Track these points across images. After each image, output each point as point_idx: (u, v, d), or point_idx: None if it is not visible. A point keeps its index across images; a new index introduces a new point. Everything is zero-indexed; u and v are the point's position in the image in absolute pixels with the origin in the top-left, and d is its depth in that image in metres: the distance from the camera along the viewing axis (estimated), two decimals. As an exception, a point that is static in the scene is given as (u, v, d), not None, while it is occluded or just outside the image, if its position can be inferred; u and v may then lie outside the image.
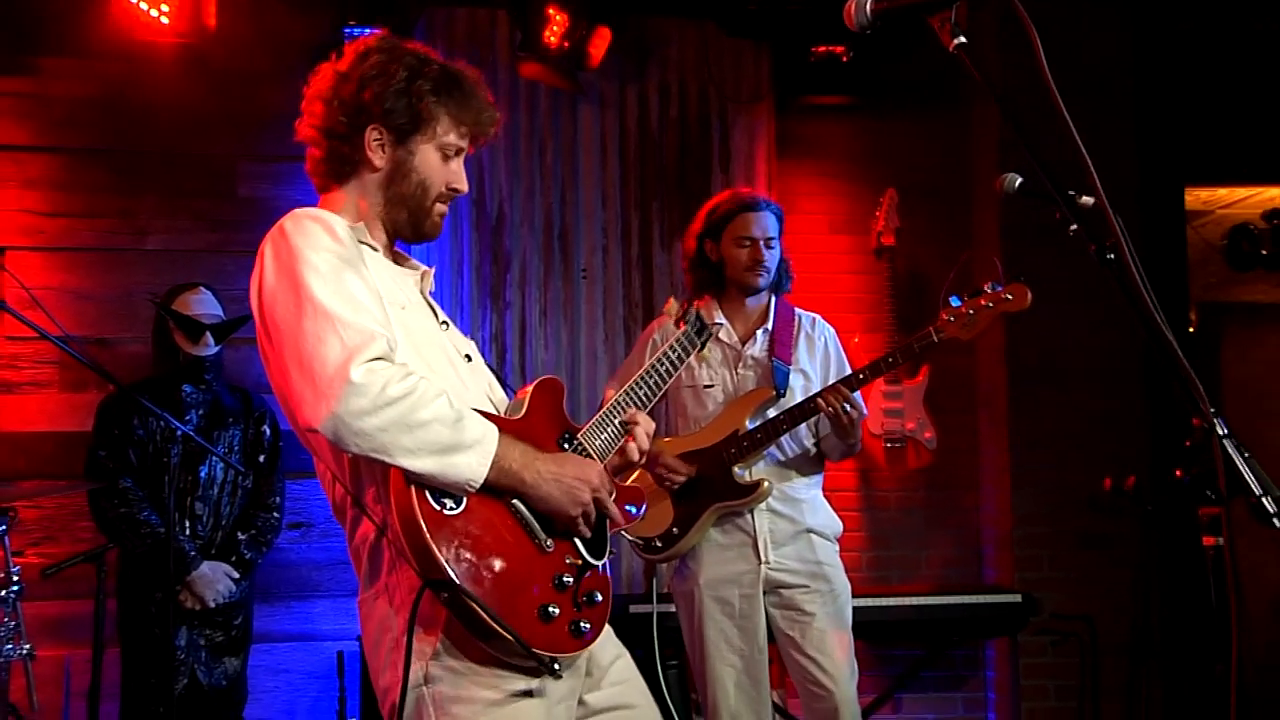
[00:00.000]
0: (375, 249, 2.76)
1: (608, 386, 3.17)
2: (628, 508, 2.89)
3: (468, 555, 2.45)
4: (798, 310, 4.78)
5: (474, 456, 2.48)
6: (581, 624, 2.60)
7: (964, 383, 6.65)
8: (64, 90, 6.16)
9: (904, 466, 6.46)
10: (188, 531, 5.22)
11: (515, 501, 2.58)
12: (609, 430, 2.90)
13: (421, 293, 2.87)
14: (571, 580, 2.62)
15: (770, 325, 4.67)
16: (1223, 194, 8.34)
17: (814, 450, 4.67)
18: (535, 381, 2.88)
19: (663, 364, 3.18)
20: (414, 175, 2.79)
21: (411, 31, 6.15)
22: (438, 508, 2.46)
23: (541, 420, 2.79)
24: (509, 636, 2.42)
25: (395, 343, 2.52)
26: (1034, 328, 6.08)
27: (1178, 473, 2.99)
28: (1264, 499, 2.66)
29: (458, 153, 2.84)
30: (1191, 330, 8.07)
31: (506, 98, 6.37)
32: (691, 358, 3.35)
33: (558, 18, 5.98)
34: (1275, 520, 2.68)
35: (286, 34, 6.12)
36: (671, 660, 5.21)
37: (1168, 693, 6.34)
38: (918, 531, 6.61)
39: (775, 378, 4.57)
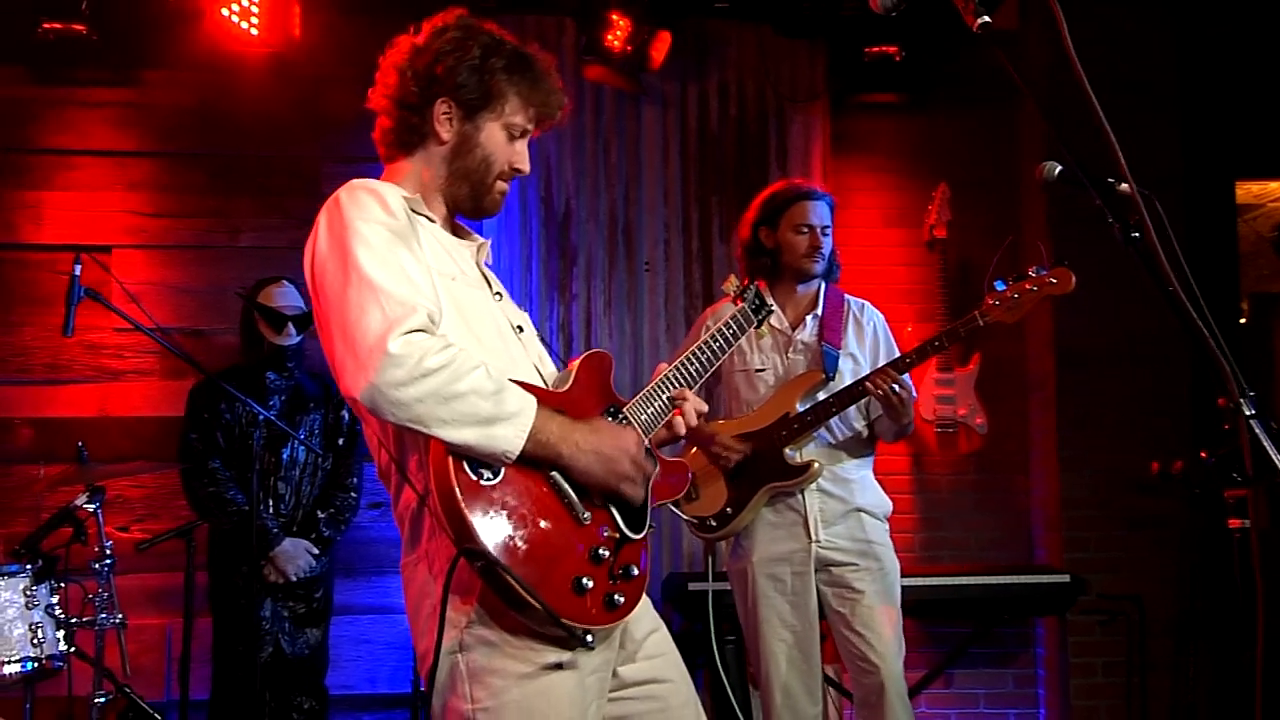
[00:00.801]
0: (433, 220, 2.64)
1: (660, 365, 3.04)
2: (672, 480, 2.77)
3: (503, 526, 2.31)
4: (846, 296, 4.64)
5: (511, 428, 2.34)
6: (616, 596, 2.44)
7: (1014, 369, 6.49)
8: (164, 99, 6.21)
9: (955, 451, 6.35)
10: (271, 510, 5.24)
11: (554, 474, 2.43)
12: (655, 404, 2.76)
13: (477, 264, 2.73)
14: (608, 553, 2.46)
15: (820, 311, 4.53)
16: (1273, 187, 8.21)
17: (865, 432, 4.52)
18: (583, 355, 2.74)
19: (716, 340, 3.06)
20: (479, 151, 2.67)
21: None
22: (474, 478, 2.32)
23: (587, 393, 2.65)
24: (539, 607, 2.28)
25: (439, 315, 2.41)
26: (1082, 314, 5.94)
27: (1203, 454, 2.76)
28: (1285, 481, 2.45)
29: (523, 134, 2.72)
30: (1243, 321, 7.83)
31: (573, 100, 6.11)
32: (748, 335, 3.22)
33: (621, 23, 5.96)
34: (1301, 501, 2.47)
35: (364, 43, 5.86)
36: (729, 636, 5.07)
37: (1215, 671, 6.15)
38: (968, 513, 6.47)
39: (825, 362, 4.43)
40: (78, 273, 4.73)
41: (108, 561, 4.46)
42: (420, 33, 2.72)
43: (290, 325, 5.28)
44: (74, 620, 4.34)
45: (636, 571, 2.52)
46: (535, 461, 2.39)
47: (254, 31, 5.77)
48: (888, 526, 4.50)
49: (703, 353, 2.98)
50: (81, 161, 6.13)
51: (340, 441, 5.42)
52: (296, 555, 5.18)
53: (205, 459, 5.18)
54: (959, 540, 6.39)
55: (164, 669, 5.66)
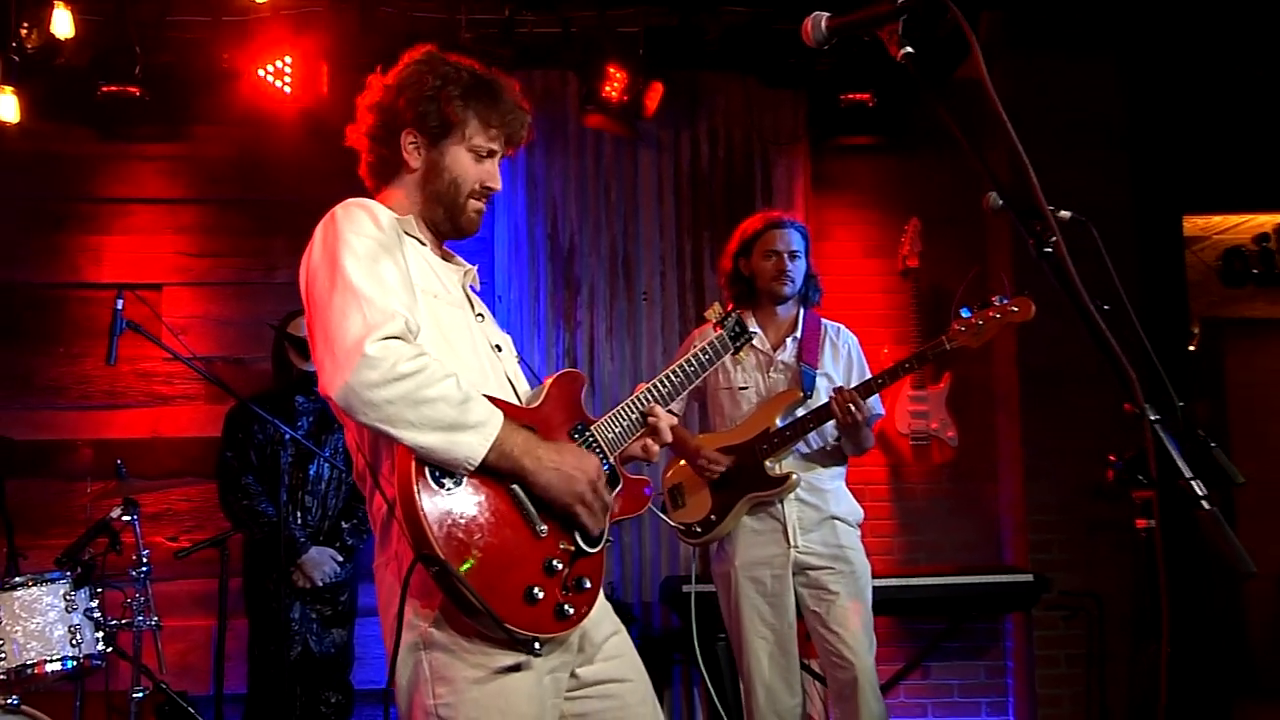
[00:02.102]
0: (423, 243, 2.57)
1: (639, 385, 2.97)
2: (634, 496, 2.67)
3: (459, 534, 2.22)
4: (824, 320, 4.57)
5: (475, 437, 2.25)
6: (566, 607, 2.34)
7: (982, 386, 6.43)
8: (208, 152, 6.24)
9: (929, 461, 6.36)
10: (299, 521, 5.18)
11: (515, 486, 2.33)
12: (624, 423, 2.66)
13: (463, 287, 2.65)
14: (562, 566, 2.37)
15: (799, 334, 4.47)
16: (1217, 221, 8.27)
17: (837, 446, 4.45)
18: (556, 374, 2.64)
19: (692, 364, 2.95)
20: (446, 174, 2.59)
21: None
22: (435, 486, 2.24)
23: (556, 410, 2.56)
24: (487, 615, 2.20)
25: (417, 326, 2.32)
26: (1044, 336, 5.72)
27: (1111, 458, 2.63)
28: (1193, 482, 2.33)
29: (490, 154, 2.63)
30: (1192, 348, 7.80)
31: (575, 144, 6.39)
32: (726, 359, 3.12)
33: (618, 75, 5.93)
34: (1204, 503, 2.35)
35: None
36: (721, 634, 4.97)
37: (1169, 661, 5.96)
38: (942, 518, 6.40)
39: (803, 381, 4.37)
40: (120, 307, 4.71)
41: (144, 569, 4.42)
42: (389, 71, 2.69)
43: (316, 353, 5.22)
44: (113, 622, 4.29)
45: (589, 585, 2.42)
46: (497, 473, 2.31)
47: (287, 90, 5.79)
48: (859, 532, 4.44)
49: (676, 374, 2.88)
50: (136, 209, 6.19)
51: (363, 459, 5.34)
52: (322, 562, 5.12)
53: (239, 475, 5.15)
54: (934, 543, 6.34)
55: (209, 665, 5.58)
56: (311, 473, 5.22)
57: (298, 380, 5.23)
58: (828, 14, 2.64)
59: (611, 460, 2.60)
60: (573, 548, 2.41)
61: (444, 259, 2.66)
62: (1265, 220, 8.39)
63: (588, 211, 6.33)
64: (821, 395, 4.36)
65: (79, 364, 6.03)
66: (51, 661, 4.01)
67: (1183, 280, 6.72)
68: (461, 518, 2.24)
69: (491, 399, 2.36)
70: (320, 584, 5.10)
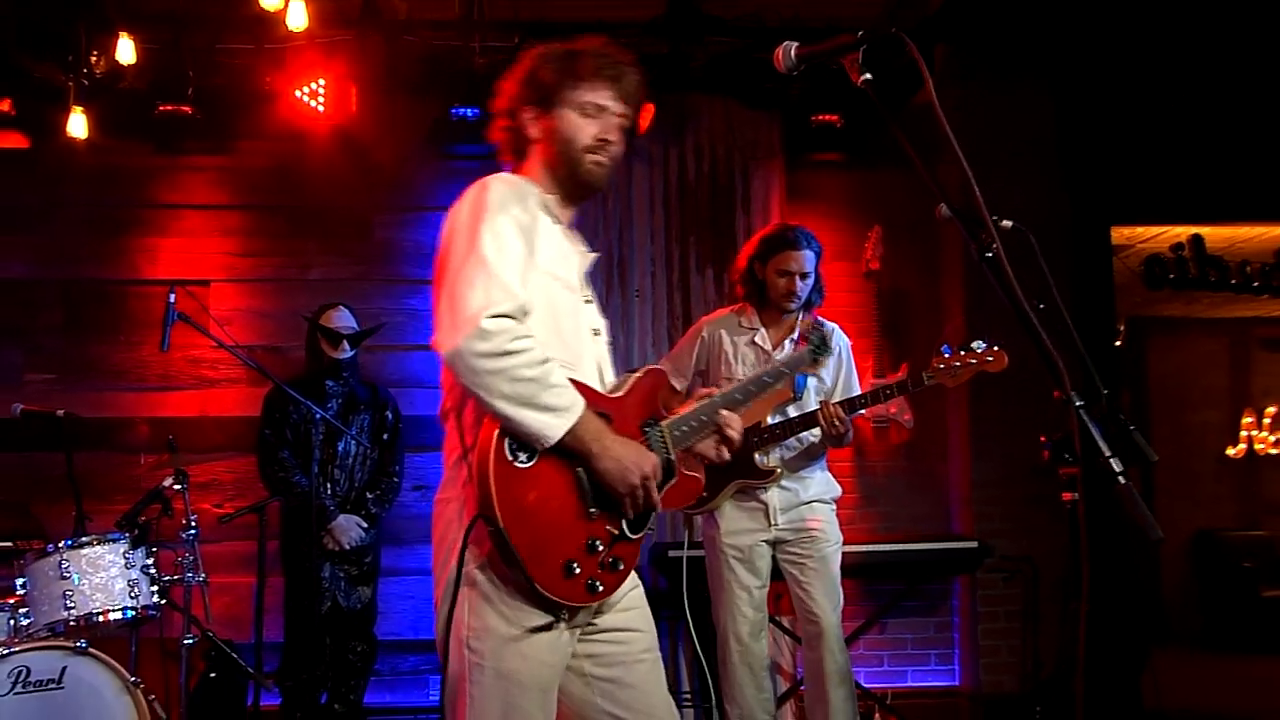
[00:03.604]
0: (557, 223, 2.53)
1: (699, 389, 2.90)
2: (684, 492, 2.59)
3: (519, 504, 2.21)
4: (821, 320, 4.51)
5: (556, 419, 2.23)
6: (597, 584, 2.31)
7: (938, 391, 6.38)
8: (251, 163, 6.25)
9: (888, 442, 6.34)
10: (329, 491, 5.21)
11: (579, 469, 2.31)
12: (693, 423, 2.57)
13: (578, 271, 2.58)
14: (603, 546, 2.33)
15: (796, 336, 4.40)
16: (1140, 231, 8.28)
17: (819, 439, 4.38)
18: (644, 368, 2.61)
19: (770, 376, 2.86)
20: (560, 134, 2.53)
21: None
22: (510, 458, 2.22)
23: (635, 402, 2.51)
24: (526, 581, 2.21)
25: (531, 306, 2.30)
26: (990, 331, 5.80)
27: (1042, 438, 2.67)
28: (1111, 460, 2.37)
29: (598, 109, 2.54)
30: (1119, 343, 7.80)
31: None
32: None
33: None
34: (1121, 478, 2.39)
35: (410, 115, 6.07)
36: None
37: (1092, 616, 6.00)
38: (898, 492, 6.40)
39: (795, 382, 4.31)
40: (172, 300, 4.73)
41: (192, 532, 4.41)
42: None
43: (345, 342, 5.25)
44: (166, 578, 4.30)
45: (622, 567, 2.38)
46: (569, 453, 2.29)
47: (321, 109, 5.78)
48: (834, 507, 4.45)
49: (752, 384, 2.80)
50: (187, 214, 6.20)
51: (385, 437, 5.36)
52: (349, 528, 5.15)
53: (276, 450, 5.19)
54: (891, 514, 6.34)
55: (250, 617, 5.52)
56: (340, 449, 5.25)
57: (328, 366, 5.26)
58: (797, 44, 2.66)
59: (673, 456, 2.52)
60: (616, 531, 2.37)
61: (569, 239, 2.60)
62: (1180, 231, 8.42)
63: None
64: (811, 395, 4.36)
65: (136, 351, 6.05)
66: (114, 611, 4.02)
67: (1110, 283, 6.73)
68: (526, 490, 2.23)
69: (578, 384, 2.33)
70: (347, 547, 5.14)
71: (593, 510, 2.32)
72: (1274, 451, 10.54)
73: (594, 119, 2.54)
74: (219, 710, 5.05)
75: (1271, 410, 10.52)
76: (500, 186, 2.39)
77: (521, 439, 2.23)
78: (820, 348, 3.08)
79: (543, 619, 2.27)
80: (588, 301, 2.57)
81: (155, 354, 5.97)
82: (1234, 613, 9.33)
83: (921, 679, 6.34)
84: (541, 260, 2.37)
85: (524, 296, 2.26)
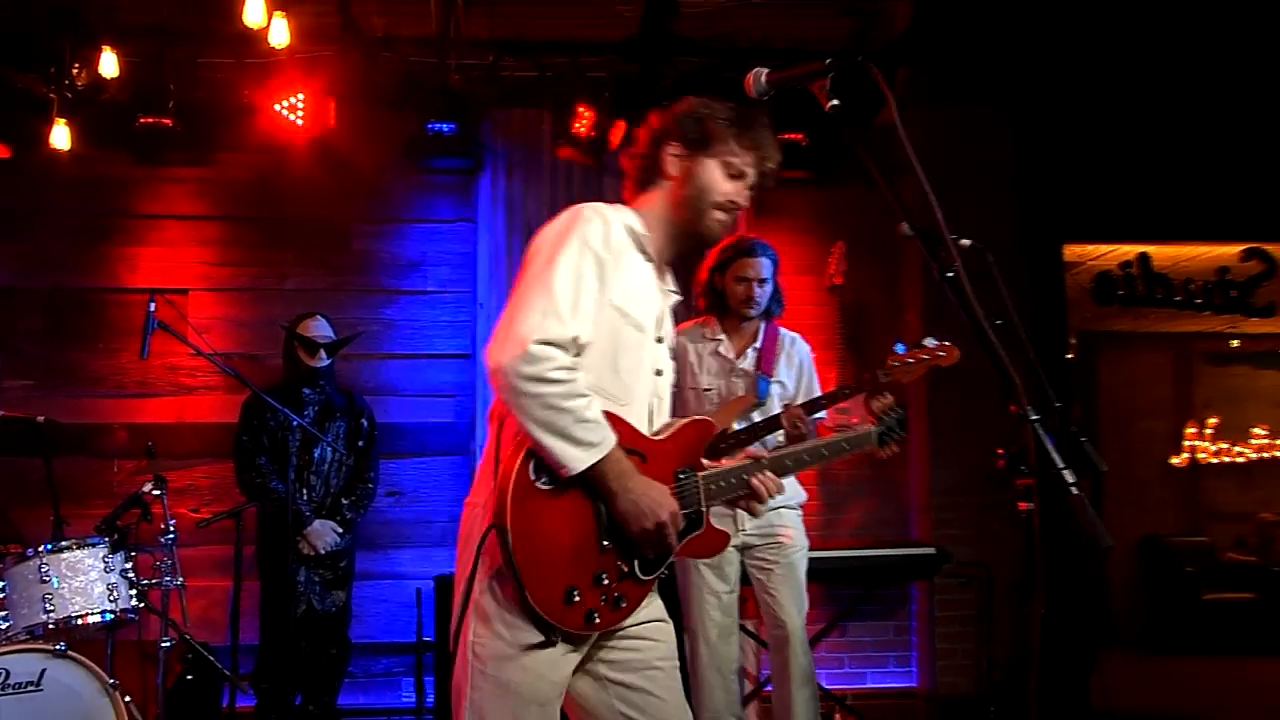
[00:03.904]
0: (649, 261, 2.48)
1: (750, 449, 2.82)
2: (707, 544, 2.52)
3: (531, 522, 2.19)
4: (782, 331, 4.55)
5: (582, 453, 2.20)
6: (595, 616, 2.26)
7: (894, 387, 6.35)
8: (230, 175, 6.19)
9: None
10: (304, 497, 5.18)
11: (600, 503, 2.28)
12: (731, 480, 2.51)
13: (657, 312, 2.52)
14: (609, 581, 2.28)
15: (759, 344, 4.42)
16: (1091, 249, 8.36)
17: (783, 443, 4.36)
18: (693, 418, 2.53)
19: (830, 448, 2.74)
20: (697, 181, 2.50)
21: (479, 128, 6.06)
22: (533, 477, 2.21)
23: (674, 448, 2.44)
24: (520, 600, 2.20)
25: (586, 340, 2.28)
26: (952, 338, 5.94)
27: (999, 451, 2.70)
28: (1064, 472, 2.40)
29: (739, 175, 2.53)
30: (1071, 356, 7.92)
31: (549, 173, 6.27)
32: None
33: (586, 114, 5.89)
34: (1073, 489, 2.43)
35: (386, 129, 6.02)
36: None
37: (1046, 620, 6.09)
38: (861, 500, 6.42)
39: (759, 388, 4.35)
40: (153, 309, 4.68)
41: (170, 536, 4.37)
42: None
43: (322, 351, 5.22)
44: (144, 582, 4.26)
45: (625, 605, 2.32)
46: (592, 487, 2.26)
47: (299, 122, 5.75)
48: (800, 513, 4.45)
49: (808, 453, 2.70)
50: (167, 224, 6.14)
51: (360, 444, 5.34)
52: (324, 533, 5.13)
53: (254, 456, 5.15)
54: (853, 521, 6.35)
55: (226, 620, 5.50)
56: (316, 455, 5.21)
57: (305, 374, 5.23)
58: (767, 70, 2.66)
59: (703, 508, 2.46)
60: (626, 569, 2.32)
61: (659, 277, 2.54)
62: (1129, 250, 8.52)
63: None
64: (774, 400, 4.37)
65: (115, 358, 5.99)
66: (93, 614, 3.99)
67: (1063, 299, 6.80)
68: (540, 512, 2.21)
69: (617, 420, 2.30)
70: (323, 552, 5.12)
71: (605, 544, 2.29)
72: (1215, 460, 10.71)
73: (733, 180, 2.52)
74: (195, 712, 4.99)
75: (1213, 421, 10.69)
76: (594, 218, 2.35)
77: (547, 463, 2.21)
78: (889, 432, 2.89)
79: (538, 637, 2.24)
80: (659, 340, 2.51)
81: (134, 361, 5.93)
82: (1177, 615, 9.43)
83: (880, 680, 6.36)
84: (615, 296, 2.33)
85: (578, 330, 2.24)
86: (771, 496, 2.52)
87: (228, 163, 6.11)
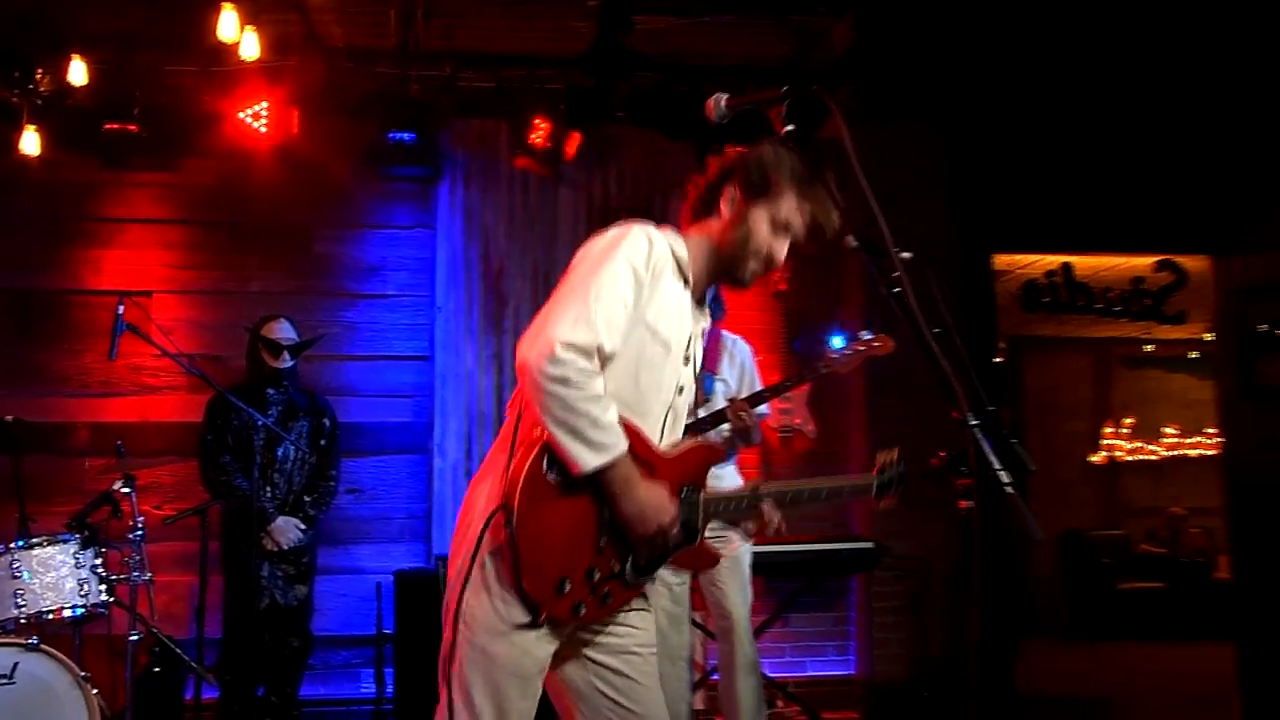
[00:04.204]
0: (686, 283, 2.50)
1: (754, 477, 2.84)
2: (699, 560, 2.60)
3: (536, 511, 2.25)
4: (724, 333, 4.62)
5: (592, 454, 2.25)
6: (581, 607, 2.32)
7: (837, 390, 6.47)
8: (194, 180, 6.15)
9: (793, 450, 6.28)
10: (268, 494, 5.17)
11: (604, 505, 2.33)
12: (733, 505, 2.60)
13: (689, 335, 2.55)
14: (599, 578, 2.34)
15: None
16: (1018, 259, 8.61)
17: (730, 440, 4.42)
18: (700, 441, 2.58)
19: (829, 491, 2.77)
20: (743, 229, 2.51)
21: (437, 137, 6.08)
22: (545, 470, 2.28)
23: (681, 466, 2.49)
24: (514, 582, 2.27)
25: (612, 350, 2.32)
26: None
27: (941, 454, 2.79)
28: (1000, 472, 2.51)
29: (785, 229, 2.53)
30: (1000, 359, 8.05)
31: (506, 182, 6.30)
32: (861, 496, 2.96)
33: (543, 125, 5.93)
34: (1009, 488, 2.53)
35: (347, 137, 6.06)
36: None
37: (978, 610, 6.23)
38: None
39: (705, 385, 4.41)
40: (121, 311, 4.66)
41: (139, 533, 4.38)
42: (733, 149, 2.64)
43: (285, 353, 5.21)
44: (114, 577, 4.26)
45: (611, 602, 2.38)
46: (599, 488, 2.31)
47: (263, 129, 5.75)
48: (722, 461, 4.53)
49: (805, 491, 2.69)
50: (131, 228, 6.09)
51: (322, 443, 5.33)
52: (287, 529, 5.13)
53: (218, 455, 5.13)
54: (796, 517, 6.21)
55: (188, 614, 5.58)
56: (280, 454, 5.20)
57: (269, 375, 5.21)
58: (727, 95, 2.72)
59: (700, 526, 2.50)
60: (617, 569, 2.37)
61: (694, 302, 2.56)
62: (1054, 260, 8.79)
63: (515, 238, 6.28)
64: (718, 397, 4.42)
65: (80, 359, 5.94)
66: (65, 609, 4.00)
67: (992, 306, 6.94)
68: (546, 503, 2.27)
69: (631, 430, 2.34)
70: (285, 547, 5.12)
71: (603, 543, 2.34)
72: (1131, 459, 10.95)
73: (778, 235, 2.53)
74: (161, 703, 4.99)
75: (1129, 421, 10.91)
76: (640, 239, 2.39)
77: (559, 458, 2.26)
78: (887, 485, 2.86)
79: (526, 617, 2.29)
80: (686, 361, 2.55)
81: (98, 361, 5.89)
82: (1095, 604, 9.62)
83: (820, 669, 6.43)
84: (648, 314, 2.37)
85: (605, 340, 2.27)
86: (774, 522, 2.57)
87: (192, 168, 6.08)
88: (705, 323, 2.62)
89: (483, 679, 2.30)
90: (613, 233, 2.40)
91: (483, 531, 2.29)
